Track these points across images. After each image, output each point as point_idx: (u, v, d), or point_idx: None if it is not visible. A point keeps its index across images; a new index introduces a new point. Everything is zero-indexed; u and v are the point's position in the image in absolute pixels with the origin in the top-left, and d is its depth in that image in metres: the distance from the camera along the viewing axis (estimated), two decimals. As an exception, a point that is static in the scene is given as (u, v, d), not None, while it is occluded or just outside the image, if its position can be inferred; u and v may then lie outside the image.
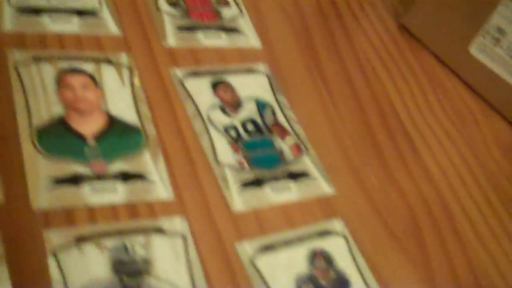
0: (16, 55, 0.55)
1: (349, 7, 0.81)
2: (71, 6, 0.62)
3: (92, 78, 0.57)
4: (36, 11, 0.60)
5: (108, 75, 0.59)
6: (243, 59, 0.68)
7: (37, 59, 0.56)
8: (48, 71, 0.56)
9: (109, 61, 0.60)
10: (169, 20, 0.66)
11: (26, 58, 0.55)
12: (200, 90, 0.63)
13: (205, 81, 0.63)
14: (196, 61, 0.65)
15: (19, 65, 0.55)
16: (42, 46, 0.57)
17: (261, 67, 0.67)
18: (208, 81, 0.64)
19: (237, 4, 0.73)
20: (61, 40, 0.59)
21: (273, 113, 0.64)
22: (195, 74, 0.64)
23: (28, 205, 0.43)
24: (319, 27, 0.78)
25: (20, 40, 0.56)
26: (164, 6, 0.68)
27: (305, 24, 0.78)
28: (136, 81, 0.61)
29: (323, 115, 0.69)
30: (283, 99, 0.65)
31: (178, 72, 0.63)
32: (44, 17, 0.60)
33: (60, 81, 0.56)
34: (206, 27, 0.67)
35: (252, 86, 0.65)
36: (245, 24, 0.72)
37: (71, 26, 0.60)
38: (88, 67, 0.58)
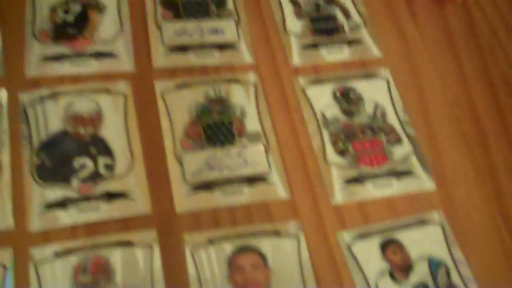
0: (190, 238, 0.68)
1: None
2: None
3: (262, 257, 0.66)
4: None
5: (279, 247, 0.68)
6: (416, 209, 0.72)
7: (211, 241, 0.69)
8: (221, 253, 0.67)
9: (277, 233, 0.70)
10: (337, 175, 0.74)
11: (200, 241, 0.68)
12: (368, 253, 0.69)
13: (375, 241, 0.70)
14: (365, 217, 0.72)
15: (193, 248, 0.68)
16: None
17: (435, 215, 0.72)
18: (378, 241, 0.70)
19: (410, 140, 0.78)
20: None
21: (448, 273, 0.68)
22: (363, 235, 0.71)
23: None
24: (504, 162, 0.79)
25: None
26: (332, 156, 0.75)
27: (488, 159, 0.79)
28: (304, 252, 0.69)
29: (506, 273, 0.69)
30: (458, 254, 0.69)
31: (346, 236, 0.70)
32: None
33: (232, 263, 0.65)
34: (375, 176, 0.74)
35: (424, 242, 0.70)
36: (418, 164, 0.77)
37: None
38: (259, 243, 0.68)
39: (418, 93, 0.83)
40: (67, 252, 0.67)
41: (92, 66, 0.80)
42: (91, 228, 0.69)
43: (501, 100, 0.84)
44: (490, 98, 0.84)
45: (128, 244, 0.68)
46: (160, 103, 0.78)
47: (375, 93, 0.82)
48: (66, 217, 0.69)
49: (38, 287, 0.65)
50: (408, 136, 0.79)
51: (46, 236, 0.68)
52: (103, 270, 0.66)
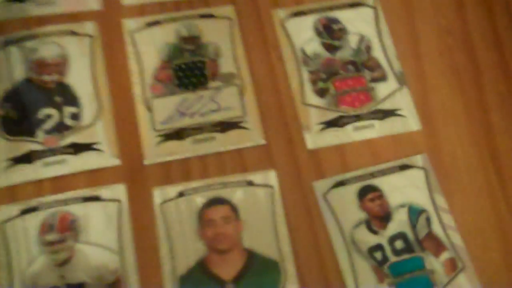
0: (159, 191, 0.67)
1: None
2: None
3: (233, 209, 0.65)
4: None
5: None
6: (398, 152, 0.68)
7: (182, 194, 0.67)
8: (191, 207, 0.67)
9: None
10: (315, 118, 0.71)
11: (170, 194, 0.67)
12: (345, 202, 0.67)
13: (352, 189, 0.67)
14: (343, 163, 0.69)
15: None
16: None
17: (419, 160, 0.68)
18: (355, 188, 0.67)
19: (396, 76, 0.73)
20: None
21: (428, 221, 0.65)
22: (340, 183, 0.68)
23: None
24: (498, 98, 0.72)
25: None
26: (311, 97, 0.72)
27: (480, 95, 0.73)
28: (278, 202, 0.67)
29: (491, 219, 0.66)
30: (441, 201, 0.66)
31: (322, 183, 0.68)
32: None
33: (202, 216, 0.66)
34: (356, 118, 0.70)
35: (405, 188, 0.67)
36: (404, 102, 0.72)
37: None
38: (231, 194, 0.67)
39: (408, 21, 0.78)
40: (33, 209, 0.66)
41: (57, 5, 0.77)
42: (58, 183, 0.68)
43: (499, 30, 0.78)
44: (488, 27, 0.78)
45: (96, 199, 0.67)
46: (128, 44, 0.74)
47: (361, 23, 0.77)
48: (31, 172, 0.68)
49: (4, 246, 0.65)
50: (395, 72, 0.74)
51: (11, 192, 0.67)
52: (70, 227, 0.65)
